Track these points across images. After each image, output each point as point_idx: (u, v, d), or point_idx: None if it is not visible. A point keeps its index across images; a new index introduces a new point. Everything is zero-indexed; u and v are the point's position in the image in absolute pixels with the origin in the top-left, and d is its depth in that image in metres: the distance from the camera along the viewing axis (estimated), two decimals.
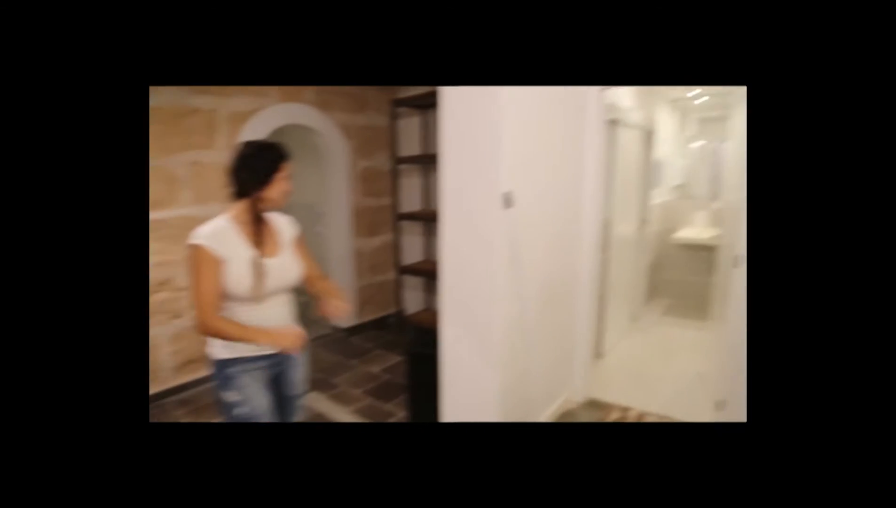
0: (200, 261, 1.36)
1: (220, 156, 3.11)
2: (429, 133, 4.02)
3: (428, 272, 3.85)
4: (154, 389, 2.93)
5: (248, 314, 1.46)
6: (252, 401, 1.51)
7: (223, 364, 1.50)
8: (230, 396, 1.49)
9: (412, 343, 2.68)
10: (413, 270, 3.94)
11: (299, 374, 1.69)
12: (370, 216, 4.24)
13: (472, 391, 2.15)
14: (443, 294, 2.18)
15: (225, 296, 1.43)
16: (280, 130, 3.52)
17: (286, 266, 1.54)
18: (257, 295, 1.44)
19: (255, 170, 1.44)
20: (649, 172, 4.01)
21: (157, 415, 2.80)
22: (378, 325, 4.41)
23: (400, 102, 3.83)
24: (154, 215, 2.83)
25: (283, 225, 1.62)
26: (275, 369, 1.59)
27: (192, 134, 2.98)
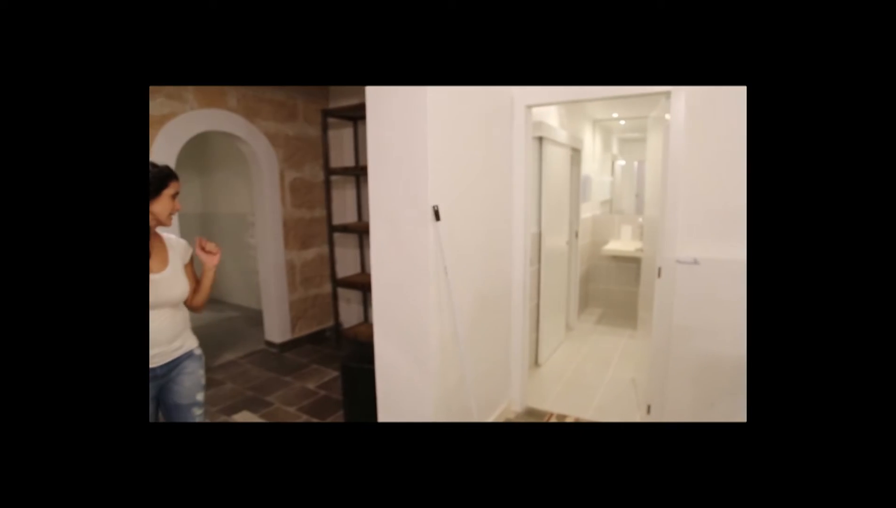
0: None
1: None
2: (361, 144, 3.96)
3: (364, 285, 3.76)
4: None
5: None
6: None
7: None
8: None
9: (348, 358, 2.59)
10: (349, 282, 3.84)
11: (191, 380, 1.66)
12: (303, 228, 4.09)
13: (408, 403, 2.09)
14: (375, 307, 2.12)
15: None
16: (202, 137, 3.33)
17: (170, 283, 1.57)
18: None
19: (155, 187, 1.50)
20: (577, 187, 4.17)
21: None
22: (314, 339, 4.25)
23: (331, 113, 3.74)
24: None
25: (175, 245, 1.65)
26: (158, 381, 1.59)
27: None
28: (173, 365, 1.61)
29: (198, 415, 1.68)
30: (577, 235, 4.29)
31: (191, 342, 1.68)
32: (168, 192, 1.50)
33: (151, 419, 1.60)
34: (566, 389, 3.17)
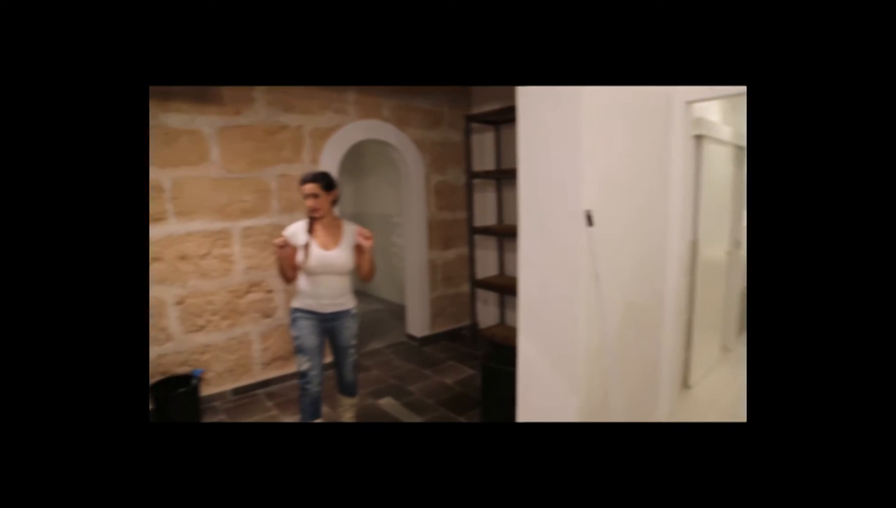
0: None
1: (304, 169, 3.27)
2: (502, 149, 4.00)
3: (502, 287, 3.80)
4: (246, 381, 3.20)
5: (307, 282, 2.28)
6: (302, 339, 2.29)
7: (292, 311, 2.34)
8: (292, 332, 2.32)
9: (487, 358, 2.64)
10: (487, 284, 3.91)
11: (348, 332, 2.38)
12: (445, 229, 4.27)
13: (548, 413, 2.07)
14: (521, 312, 2.13)
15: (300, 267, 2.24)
16: (359, 145, 3.66)
17: (339, 257, 2.26)
18: (307, 271, 2.24)
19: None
20: (741, 190, 3.72)
21: (249, 405, 3.01)
22: (451, 336, 4.41)
23: (474, 118, 3.85)
24: (247, 223, 3.05)
25: (348, 229, 2.32)
26: (325, 323, 2.33)
27: (281, 149, 3.17)
28: (337, 316, 2.34)
29: (351, 353, 2.43)
30: (738, 244, 3.83)
31: (350, 303, 2.38)
32: (303, 193, 2.22)
33: (312, 347, 2.30)
34: (719, 416, 2.85)
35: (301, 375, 2.31)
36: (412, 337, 4.28)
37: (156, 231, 2.73)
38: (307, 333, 2.30)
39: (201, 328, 2.97)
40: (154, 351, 2.81)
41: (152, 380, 2.78)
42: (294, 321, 2.32)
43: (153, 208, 2.72)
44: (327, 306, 2.30)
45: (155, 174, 2.71)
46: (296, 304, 2.33)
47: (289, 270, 2.24)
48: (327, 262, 2.23)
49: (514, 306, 4.13)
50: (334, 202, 2.31)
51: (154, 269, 2.75)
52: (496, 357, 2.60)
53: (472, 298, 4.13)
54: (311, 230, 2.23)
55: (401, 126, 3.85)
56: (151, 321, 2.78)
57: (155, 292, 2.76)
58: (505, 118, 3.79)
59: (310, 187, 2.19)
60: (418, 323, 4.21)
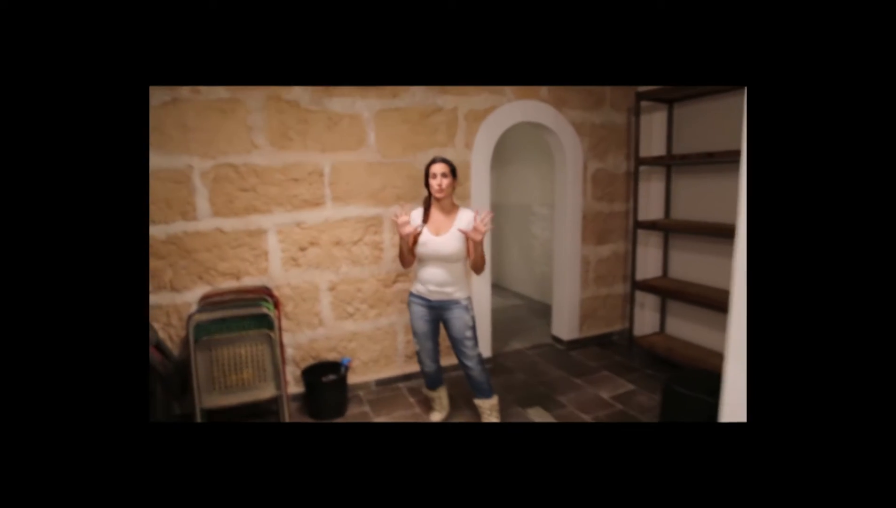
0: None
1: (458, 153, 3.09)
2: (676, 131, 3.42)
3: (665, 291, 3.27)
4: (388, 373, 3.15)
5: (419, 268, 2.31)
6: (414, 324, 2.40)
7: (410, 293, 2.42)
8: (410, 317, 2.41)
9: (673, 381, 2.20)
10: (648, 286, 3.40)
11: (459, 323, 2.30)
12: (601, 222, 3.83)
13: None
14: (732, 333, 1.67)
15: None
16: (514, 128, 3.38)
17: (444, 244, 2.21)
18: (418, 256, 2.26)
19: (425, 172, 2.27)
20: None
21: (391, 399, 2.95)
22: (600, 342, 3.97)
23: (644, 96, 3.34)
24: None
25: (462, 217, 2.25)
26: (435, 311, 2.35)
27: (435, 132, 3.02)
28: (444, 305, 2.31)
29: (468, 345, 2.34)
30: None
31: (459, 294, 2.30)
32: (431, 173, 2.21)
33: (422, 332, 2.39)
34: None
35: (417, 353, 2.49)
36: (558, 340, 3.92)
37: (314, 216, 2.75)
38: (417, 317, 2.37)
39: (350, 316, 2.96)
40: (307, 335, 2.86)
41: (304, 364, 2.82)
42: (409, 303, 2.41)
43: (314, 192, 2.74)
44: (434, 293, 2.29)
45: (316, 159, 2.72)
46: (412, 288, 2.40)
47: (407, 253, 2.24)
48: (435, 248, 2.21)
49: (679, 314, 3.55)
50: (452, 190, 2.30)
51: (311, 254, 2.78)
52: (683, 381, 2.15)
53: (631, 301, 3.63)
54: (426, 216, 2.25)
55: (559, 107, 3.49)
56: (306, 307, 2.82)
57: (310, 276, 2.79)
58: (682, 95, 3.23)
59: (441, 167, 2.20)
60: (565, 325, 3.83)
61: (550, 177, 4.97)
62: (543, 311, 4.86)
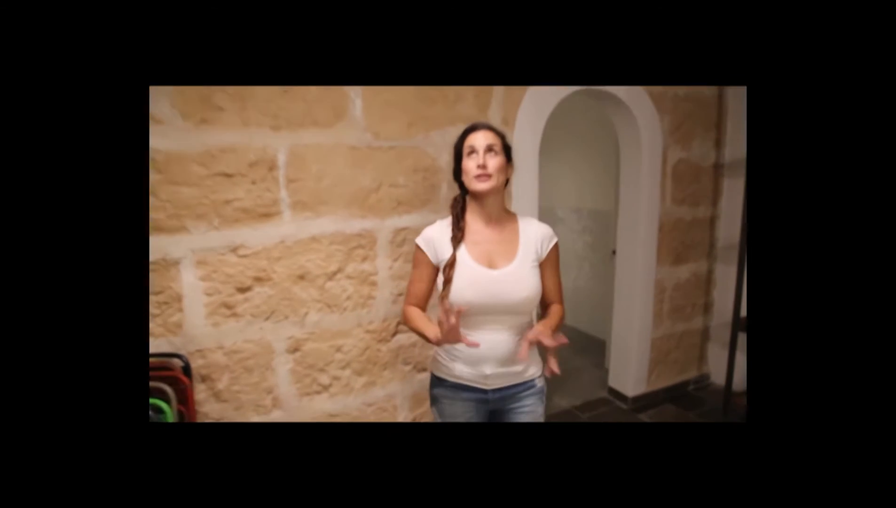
0: (414, 259, 1.36)
1: None
2: None
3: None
4: None
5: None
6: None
7: (432, 381, 1.42)
8: (435, 415, 1.42)
9: None
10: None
11: (529, 418, 1.35)
12: (680, 234, 2.76)
13: None
14: None
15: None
16: (568, 102, 2.29)
17: (513, 282, 1.26)
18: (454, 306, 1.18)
19: (455, 151, 1.35)
20: None
21: None
22: (674, 396, 2.93)
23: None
24: (401, 221, 1.88)
25: (532, 233, 1.33)
26: (490, 405, 1.35)
27: (458, 101, 1.93)
28: (509, 393, 1.33)
29: None
30: None
31: (533, 369, 1.36)
32: (465, 148, 1.30)
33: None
34: None
35: None
36: (619, 395, 2.86)
37: (262, 234, 1.67)
38: (457, 419, 1.37)
39: (325, 389, 1.88)
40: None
41: None
42: (436, 400, 1.39)
43: (259, 195, 1.66)
44: (495, 378, 1.30)
45: (263, 140, 1.64)
46: (438, 371, 1.38)
47: (413, 299, 1.36)
48: (493, 291, 1.24)
49: None
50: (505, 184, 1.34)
51: (257, 297, 1.70)
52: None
53: (732, 346, 2.57)
54: (458, 234, 1.29)
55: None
56: (252, 381, 1.75)
57: (257, 332, 1.72)
58: None
59: (485, 136, 1.28)
60: (631, 375, 2.77)
61: (584, 172, 3.90)
62: (588, 346, 3.78)
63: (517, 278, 1.25)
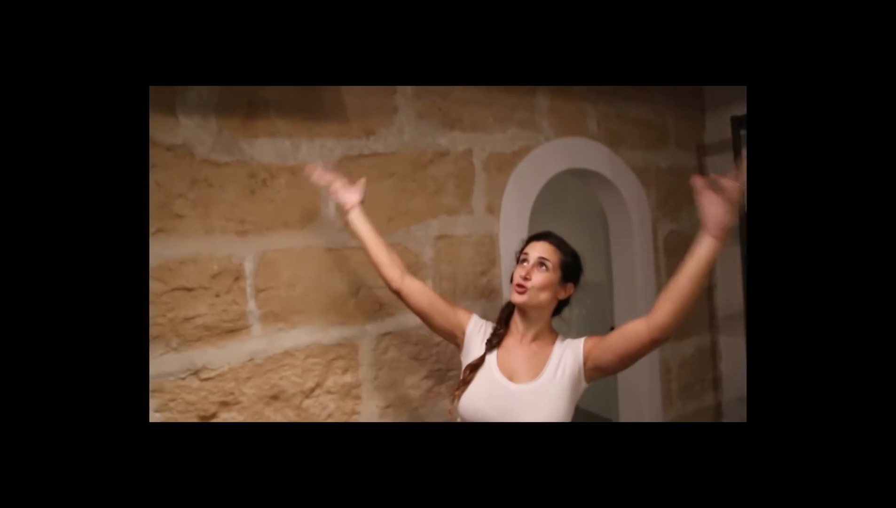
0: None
1: (478, 222, 1.91)
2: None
3: None
4: None
5: None
6: None
7: None
8: None
9: None
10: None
11: None
12: None
13: None
14: None
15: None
16: (552, 182, 2.24)
17: (520, 398, 1.18)
18: (462, 416, 1.21)
19: (515, 255, 1.35)
20: None
21: None
22: None
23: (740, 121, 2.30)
24: (385, 325, 1.72)
25: (563, 350, 1.24)
26: None
27: (439, 191, 1.84)
28: None
29: None
30: None
31: None
32: (521, 255, 1.30)
33: None
34: None
35: None
36: None
37: (228, 353, 1.49)
38: None
39: None
40: None
41: None
42: None
43: (224, 309, 1.49)
44: None
45: (229, 247, 1.50)
46: None
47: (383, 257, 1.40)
48: (507, 408, 1.17)
49: None
50: (559, 308, 1.33)
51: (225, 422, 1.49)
52: None
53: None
54: (496, 339, 1.28)
55: (613, 146, 2.39)
56: None
57: None
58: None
59: (542, 249, 1.25)
60: None
61: (572, 245, 3.84)
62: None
63: (535, 399, 1.18)
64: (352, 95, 1.67)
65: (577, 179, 2.48)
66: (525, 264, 1.26)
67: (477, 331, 1.34)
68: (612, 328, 2.71)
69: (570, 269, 1.28)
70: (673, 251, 2.61)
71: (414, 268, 1.76)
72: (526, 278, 1.22)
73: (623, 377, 2.62)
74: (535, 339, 1.28)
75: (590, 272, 3.77)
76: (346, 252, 1.66)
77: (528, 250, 1.29)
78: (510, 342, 1.30)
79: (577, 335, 1.32)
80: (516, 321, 1.31)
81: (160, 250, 1.41)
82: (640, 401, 2.53)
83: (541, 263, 1.23)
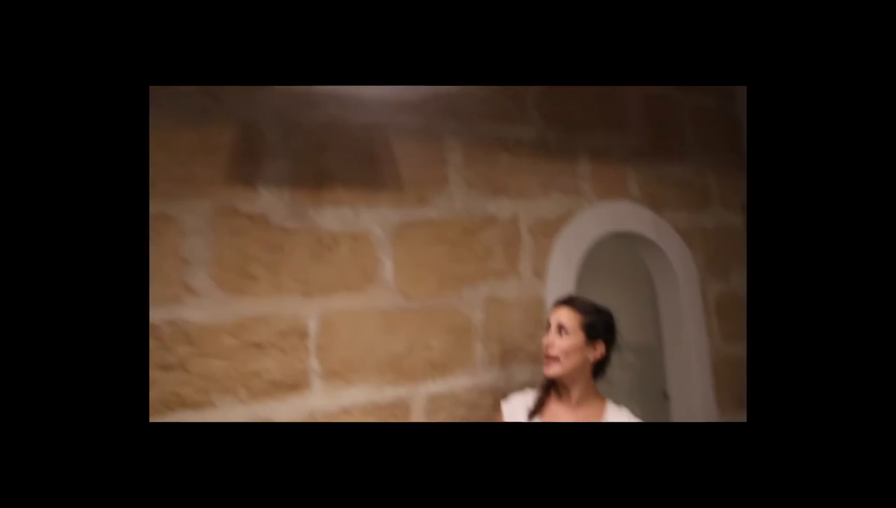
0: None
1: (525, 286, 1.97)
2: None
3: None
4: None
5: None
6: None
7: None
8: None
9: None
10: None
11: None
12: (739, 375, 2.55)
13: None
14: None
15: None
16: (597, 246, 2.29)
17: None
18: None
19: None
20: None
21: None
22: None
23: None
24: (436, 386, 1.77)
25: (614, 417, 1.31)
26: None
27: (488, 256, 1.93)
28: None
29: None
30: None
31: None
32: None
33: None
34: None
35: None
36: None
37: (291, 408, 1.58)
38: None
39: None
40: None
41: None
42: None
43: (290, 366, 1.59)
44: None
45: (295, 308, 1.62)
46: None
47: None
48: None
49: None
50: (600, 367, 1.35)
51: None
52: None
53: None
54: (538, 408, 1.32)
55: (656, 208, 2.44)
56: None
57: None
58: None
59: (561, 314, 1.30)
60: None
61: (619, 307, 3.78)
62: None
63: None
64: (407, 166, 1.83)
65: (622, 241, 2.52)
66: (549, 332, 1.31)
67: (519, 406, 1.37)
68: (664, 393, 2.63)
69: (595, 327, 1.30)
70: (724, 313, 2.56)
71: (464, 330, 1.83)
72: (549, 347, 1.27)
73: (674, 384, 2.51)
74: (580, 403, 1.30)
75: (639, 335, 3.71)
76: (401, 314, 1.75)
77: (550, 317, 1.35)
78: (558, 409, 1.32)
79: (629, 398, 1.33)
80: (558, 387, 1.34)
81: (236, 309, 1.55)
82: (694, 412, 2.41)
83: (560, 329, 1.28)
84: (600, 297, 4.29)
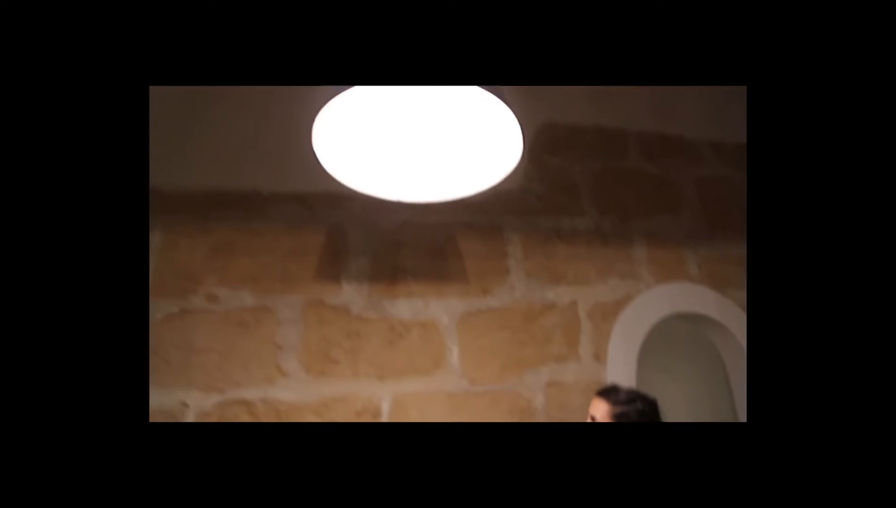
0: None
1: (585, 369, 2.04)
2: None
3: None
4: None
5: None
6: None
7: None
8: None
9: None
10: None
11: None
12: None
13: None
14: None
15: None
16: (663, 326, 2.33)
17: None
18: None
19: None
20: None
21: None
22: None
23: None
24: None
25: None
26: None
27: (548, 341, 2.04)
28: None
29: None
30: None
31: None
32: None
33: None
34: None
35: None
36: None
37: None
38: None
39: None
40: None
41: None
42: None
43: None
44: None
45: (371, 390, 1.80)
46: None
47: None
48: None
49: None
50: None
51: None
52: None
53: None
54: None
55: (719, 287, 2.44)
56: None
57: None
58: None
59: (596, 408, 1.34)
60: None
61: (690, 388, 3.66)
62: None
63: None
64: (471, 260, 2.02)
65: (686, 323, 2.53)
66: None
67: None
68: None
69: (627, 417, 1.31)
70: None
71: (526, 412, 1.92)
72: None
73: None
74: None
75: (713, 416, 3.54)
76: (466, 396, 1.88)
77: (591, 411, 1.39)
78: None
79: None
80: None
81: (319, 389, 1.76)
82: None
83: (592, 420, 1.34)
84: (671, 379, 4.18)
